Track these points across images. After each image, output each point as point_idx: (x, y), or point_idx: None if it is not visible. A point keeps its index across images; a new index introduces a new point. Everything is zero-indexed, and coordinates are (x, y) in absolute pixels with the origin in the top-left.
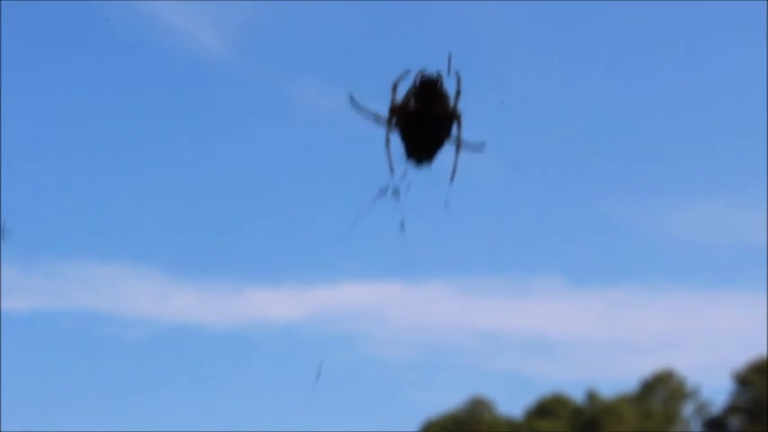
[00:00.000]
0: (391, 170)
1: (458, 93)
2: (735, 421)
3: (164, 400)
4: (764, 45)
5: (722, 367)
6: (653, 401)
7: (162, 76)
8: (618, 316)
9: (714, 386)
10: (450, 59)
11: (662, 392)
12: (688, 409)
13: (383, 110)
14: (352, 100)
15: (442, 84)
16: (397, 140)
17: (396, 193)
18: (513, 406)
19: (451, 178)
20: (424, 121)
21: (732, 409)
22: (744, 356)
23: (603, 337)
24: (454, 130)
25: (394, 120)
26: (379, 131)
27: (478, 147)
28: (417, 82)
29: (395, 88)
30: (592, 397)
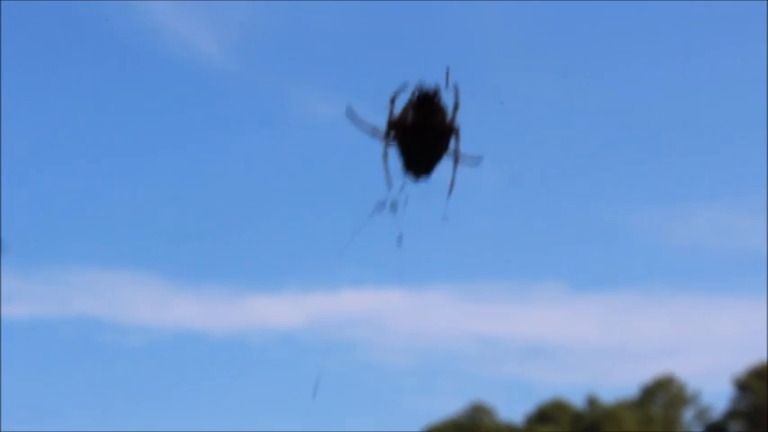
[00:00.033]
0: (389, 184)
1: (456, 106)
2: (735, 426)
3: (164, 406)
4: (765, 52)
5: (722, 372)
6: (653, 407)
7: (162, 84)
8: (618, 322)
9: (714, 391)
10: (448, 72)
11: (662, 398)
12: (688, 415)
13: (382, 120)
14: (349, 113)
15: (439, 97)
16: (395, 154)
17: (394, 206)
18: (513, 412)
19: (449, 192)
20: (422, 135)
21: (732, 414)
22: (744, 362)
23: (604, 343)
24: (452, 144)
25: (392, 133)
26: (379, 139)
27: (476, 160)
28: (415, 96)
29: (393, 101)
30: (592, 402)
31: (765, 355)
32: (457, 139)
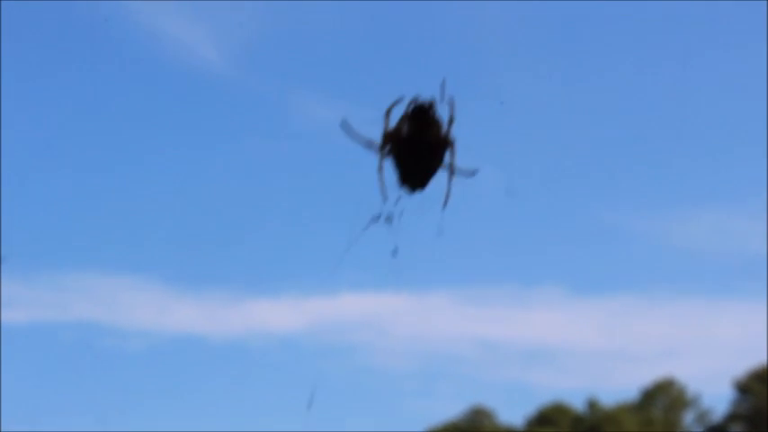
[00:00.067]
0: (384, 197)
1: (451, 119)
2: (736, 429)
3: (164, 410)
4: (764, 55)
5: (723, 375)
6: (654, 410)
7: (161, 89)
8: (618, 325)
9: (715, 394)
10: (443, 85)
11: (662, 401)
12: (689, 418)
13: (381, 126)
14: (344, 125)
15: (434, 110)
16: (390, 166)
17: (389, 219)
18: (513, 415)
19: (444, 205)
20: (417, 148)
21: (733, 416)
22: (744, 364)
23: (604, 346)
24: (447, 157)
25: (387, 147)
26: (374, 152)
27: (471, 173)
28: (410, 108)
29: (388, 114)
30: (592, 405)
31: (766, 358)
32: (452, 153)
